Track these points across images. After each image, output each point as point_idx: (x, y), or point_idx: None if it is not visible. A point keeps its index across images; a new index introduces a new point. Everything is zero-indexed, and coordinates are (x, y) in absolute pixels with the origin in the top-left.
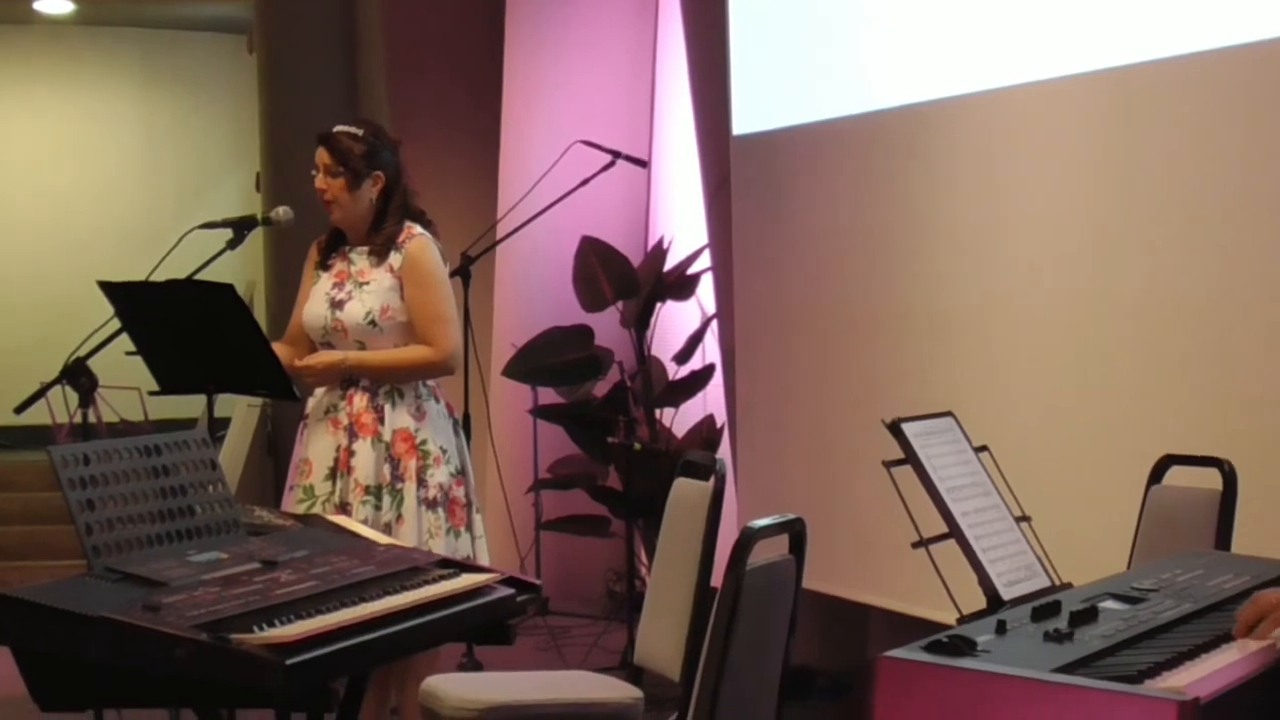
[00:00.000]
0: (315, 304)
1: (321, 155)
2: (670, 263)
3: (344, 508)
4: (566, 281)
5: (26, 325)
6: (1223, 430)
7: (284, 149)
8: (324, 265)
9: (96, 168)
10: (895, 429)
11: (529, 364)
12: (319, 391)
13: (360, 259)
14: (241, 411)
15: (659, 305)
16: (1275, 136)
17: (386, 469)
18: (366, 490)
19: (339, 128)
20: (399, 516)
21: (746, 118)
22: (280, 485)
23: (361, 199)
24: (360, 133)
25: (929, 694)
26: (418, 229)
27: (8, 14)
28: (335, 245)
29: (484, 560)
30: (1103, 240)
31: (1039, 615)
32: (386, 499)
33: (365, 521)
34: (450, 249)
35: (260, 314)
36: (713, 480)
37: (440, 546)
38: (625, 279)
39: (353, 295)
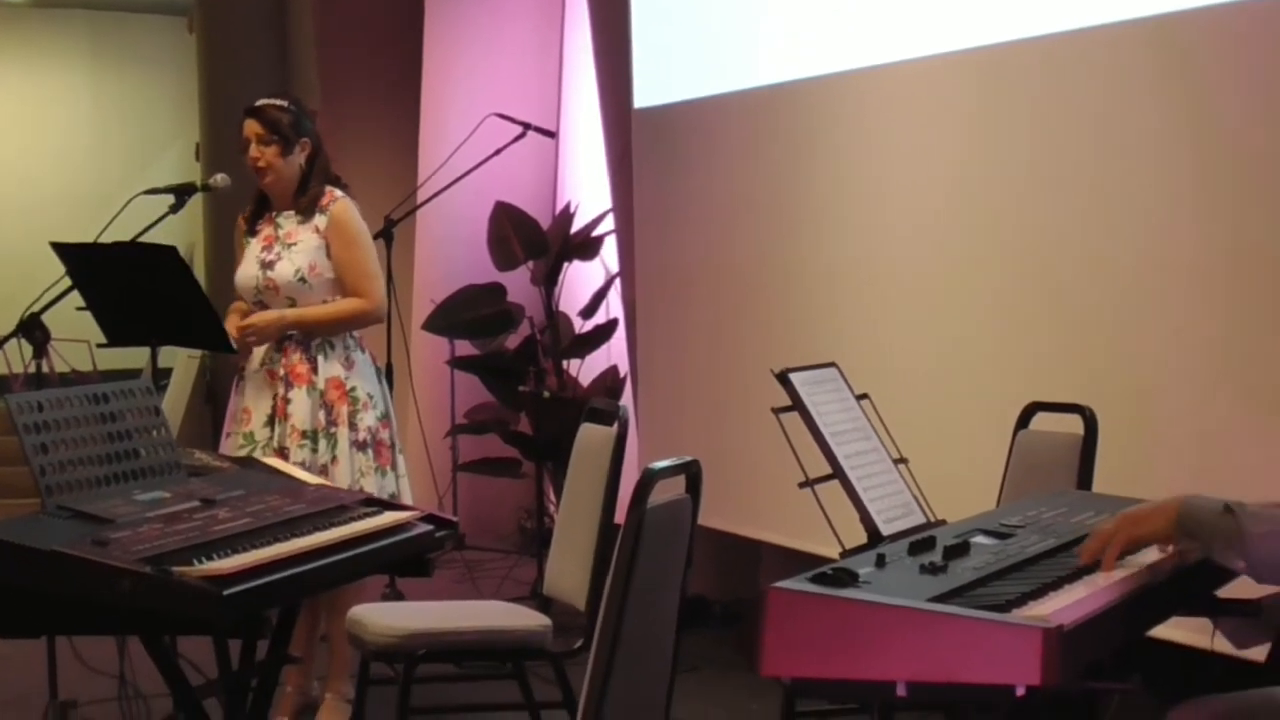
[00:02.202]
0: (247, 267)
1: (252, 127)
2: (576, 225)
3: (282, 451)
4: (481, 243)
5: None
6: (1084, 379)
7: (221, 121)
8: (251, 232)
9: (49, 138)
10: (783, 378)
11: (446, 319)
12: (257, 350)
13: (287, 222)
14: (182, 363)
15: (566, 265)
16: (1129, 108)
17: (321, 414)
18: (303, 435)
19: (264, 101)
20: (334, 458)
21: (647, 92)
22: (218, 431)
23: (292, 164)
24: (285, 103)
25: (814, 622)
26: (338, 192)
27: None
28: (260, 213)
29: (407, 497)
30: (973, 203)
31: (915, 549)
32: (322, 442)
33: (303, 463)
34: (374, 213)
35: (200, 273)
36: (616, 426)
37: (371, 485)
38: (535, 240)
39: (282, 256)
